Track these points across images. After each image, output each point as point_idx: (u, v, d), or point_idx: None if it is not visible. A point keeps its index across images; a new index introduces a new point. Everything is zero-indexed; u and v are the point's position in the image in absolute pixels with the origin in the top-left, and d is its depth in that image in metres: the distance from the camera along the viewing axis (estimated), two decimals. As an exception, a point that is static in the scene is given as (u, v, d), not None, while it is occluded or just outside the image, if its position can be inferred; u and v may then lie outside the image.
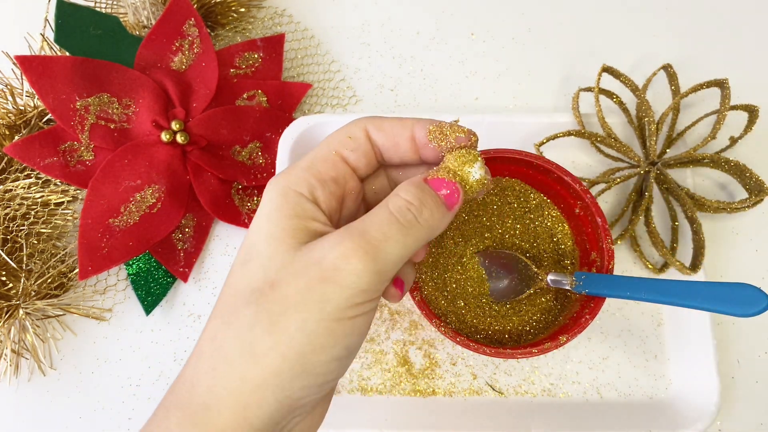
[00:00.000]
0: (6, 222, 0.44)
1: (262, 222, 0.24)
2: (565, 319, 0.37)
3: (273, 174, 0.46)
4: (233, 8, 0.51)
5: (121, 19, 0.48)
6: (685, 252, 0.42)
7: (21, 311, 0.41)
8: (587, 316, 0.34)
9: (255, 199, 0.46)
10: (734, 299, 0.29)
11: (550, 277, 0.36)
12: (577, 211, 0.38)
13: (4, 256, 0.42)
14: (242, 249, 0.24)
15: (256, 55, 0.50)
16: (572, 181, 0.37)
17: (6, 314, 0.41)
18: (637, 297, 0.32)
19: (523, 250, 0.39)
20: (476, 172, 0.26)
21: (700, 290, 0.30)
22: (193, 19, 0.47)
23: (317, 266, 0.22)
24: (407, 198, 0.24)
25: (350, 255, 0.22)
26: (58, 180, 0.45)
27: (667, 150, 0.43)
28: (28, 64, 0.43)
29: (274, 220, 0.24)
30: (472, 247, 0.39)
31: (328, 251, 0.22)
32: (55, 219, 0.45)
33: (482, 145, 0.46)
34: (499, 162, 0.39)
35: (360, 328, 0.23)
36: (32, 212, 0.45)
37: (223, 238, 0.46)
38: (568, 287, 0.35)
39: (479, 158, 0.26)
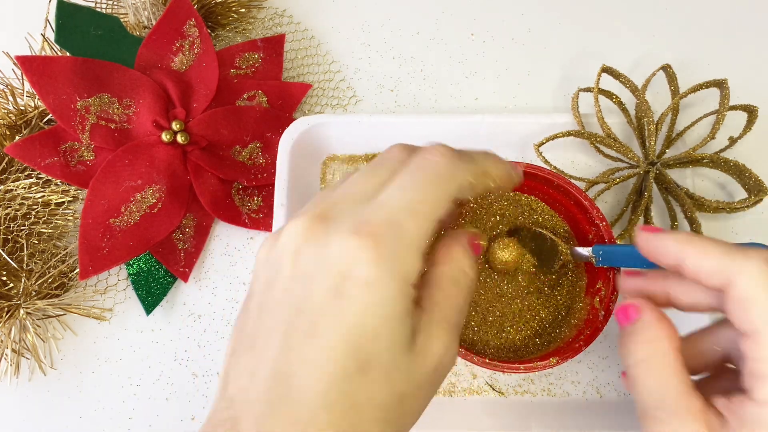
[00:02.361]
0: (7, 222, 0.44)
1: (381, 327, 0.20)
2: (561, 342, 0.37)
3: (273, 174, 0.46)
4: (233, 9, 0.51)
5: (122, 20, 0.48)
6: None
7: (21, 311, 0.41)
8: (581, 343, 0.34)
9: (255, 199, 0.46)
10: None
11: (574, 250, 0.37)
12: (591, 236, 0.38)
13: (4, 256, 0.42)
14: (352, 353, 0.20)
15: (256, 56, 0.50)
16: (590, 207, 0.37)
17: (6, 314, 0.41)
18: (651, 265, 0.33)
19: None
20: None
21: None
22: (193, 19, 0.48)
23: (436, 373, 0.22)
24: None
25: (455, 353, 0.23)
26: (59, 180, 0.45)
27: (667, 150, 0.43)
28: (28, 64, 0.43)
29: (394, 326, 0.20)
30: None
31: (443, 356, 0.22)
32: (56, 219, 0.45)
33: (482, 146, 0.46)
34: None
35: None
36: (33, 212, 0.45)
37: (224, 238, 0.46)
38: (589, 259, 0.36)
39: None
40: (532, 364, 0.34)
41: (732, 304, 0.23)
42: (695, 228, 0.41)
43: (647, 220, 0.43)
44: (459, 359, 0.42)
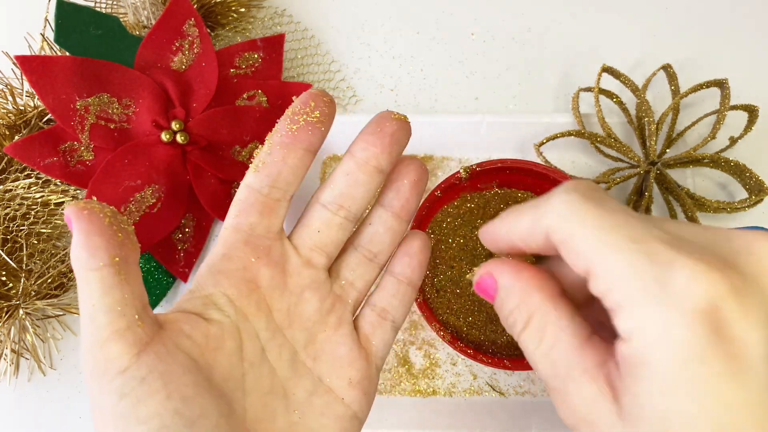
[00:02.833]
0: (6, 222, 0.44)
1: None
2: None
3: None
4: (233, 8, 0.51)
5: (121, 19, 0.48)
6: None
7: (21, 311, 0.41)
8: None
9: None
10: None
11: None
12: None
13: (4, 256, 0.42)
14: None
15: (256, 55, 0.50)
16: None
17: (6, 314, 0.41)
18: None
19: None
20: None
21: None
22: (193, 19, 0.47)
23: None
24: None
25: None
26: (58, 180, 0.45)
27: (667, 150, 0.43)
28: (28, 64, 0.43)
29: None
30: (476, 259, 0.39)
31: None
32: (55, 219, 0.45)
33: (483, 146, 0.46)
34: (516, 173, 0.39)
35: None
36: (32, 212, 0.45)
37: (223, 238, 0.46)
38: None
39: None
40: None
41: (561, 251, 0.20)
42: (696, 228, 0.41)
43: (648, 220, 0.43)
44: (460, 359, 0.42)
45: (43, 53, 0.46)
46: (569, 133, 0.43)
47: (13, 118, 0.46)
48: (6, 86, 0.46)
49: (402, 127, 0.26)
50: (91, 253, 0.20)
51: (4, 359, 0.41)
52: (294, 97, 0.27)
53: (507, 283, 0.22)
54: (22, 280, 0.42)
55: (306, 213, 0.27)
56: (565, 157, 0.46)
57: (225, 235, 0.26)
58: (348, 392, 0.25)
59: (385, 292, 0.28)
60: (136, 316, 0.21)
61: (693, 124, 0.43)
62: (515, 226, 0.22)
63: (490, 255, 0.39)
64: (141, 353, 0.20)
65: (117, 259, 0.21)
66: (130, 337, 0.20)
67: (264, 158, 0.25)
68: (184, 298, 0.25)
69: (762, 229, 0.28)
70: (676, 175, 0.44)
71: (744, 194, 0.43)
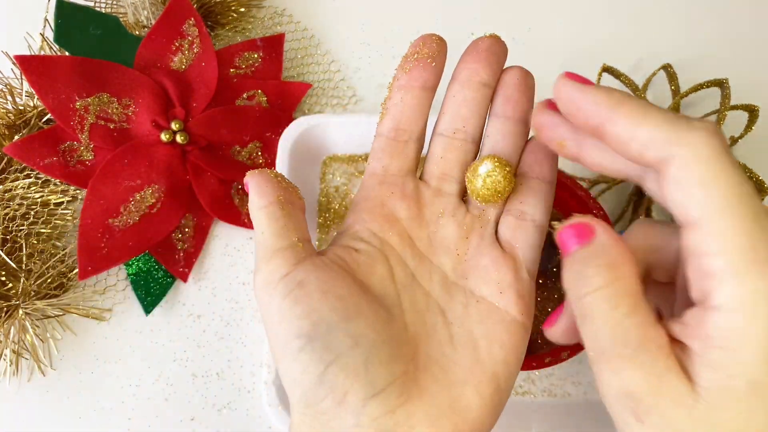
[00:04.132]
0: (5, 222, 0.44)
1: None
2: None
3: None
4: (233, 8, 0.51)
5: (121, 19, 0.48)
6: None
7: (21, 311, 0.41)
8: None
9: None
10: None
11: None
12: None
13: (3, 256, 0.42)
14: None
15: (255, 55, 0.50)
16: (586, 197, 0.37)
17: (6, 314, 0.41)
18: None
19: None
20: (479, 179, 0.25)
21: None
22: (192, 18, 0.47)
23: None
24: None
25: None
26: (58, 180, 0.45)
27: (668, 150, 0.43)
28: (27, 63, 0.42)
29: None
30: None
31: None
32: (55, 219, 0.45)
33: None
34: None
35: None
36: (32, 212, 0.45)
37: (223, 238, 0.46)
38: None
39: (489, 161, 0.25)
40: (543, 361, 0.34)
41: (671, 185, 0.19)
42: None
43: (648, 220, 0.43)
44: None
45: (42, 53, 0.46)
46: (569, 133, 0.43)
47: (12, 117, 0.46)
48: (6, 86, 0.45)
49: (495, 42, 0.27)
50: (260, 194, 0.25)
51: (4, 359, 0.41)
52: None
53: (606, 241, 0.21)
54: (22, 280, 0.42)
55: (429, 147, 0.28)
56: (566, 157, 0.46)
57: (364, 180, 0.28)
58: (501, 298, 0.26)
59: (519, 195, 0.27)
60: (296, 239, 0.25)
61: (693, 123, 0.43)
62: (626, 123, 0.19)
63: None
64: (299, 263, 0.24)
65: (281, 198, 0.25)
66: (290, 252, 0.24)
67: (386, 104, 0.27)
68: (333, 239, 0.27)
69: None
70: (676, 175, 0.43)
71: (744, 194, 0.43)
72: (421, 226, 0.27)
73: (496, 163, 0.25)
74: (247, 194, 0.46)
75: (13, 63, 0.43)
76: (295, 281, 0.23)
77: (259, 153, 0.47)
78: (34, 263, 0.43)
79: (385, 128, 0.27)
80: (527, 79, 0.28)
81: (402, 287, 0.25)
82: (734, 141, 0.43)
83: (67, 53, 0.46)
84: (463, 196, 0.28)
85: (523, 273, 0.26)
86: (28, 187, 0.45)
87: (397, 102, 0.27)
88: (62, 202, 0.46)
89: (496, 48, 0.27)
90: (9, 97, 0.46)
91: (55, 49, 0.46)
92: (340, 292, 0.23)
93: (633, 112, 0.19)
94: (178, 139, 0.44)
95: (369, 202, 0.27)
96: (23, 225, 0.44)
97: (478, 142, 0.28)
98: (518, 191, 0.27)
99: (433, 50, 0.27)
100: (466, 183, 0.26)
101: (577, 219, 0.22)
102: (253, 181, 0.26)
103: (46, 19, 0.46)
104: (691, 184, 0.18)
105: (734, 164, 0.18)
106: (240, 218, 0.46)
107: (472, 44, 0.27)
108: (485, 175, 0.25)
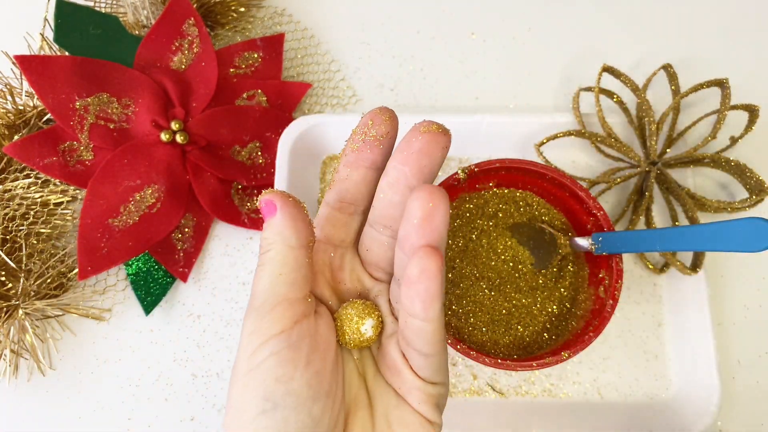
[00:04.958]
0: (5, 222, 0.44)
1: None
2: (570, 334, 0.37)
3: (273, 174, 0.46)
4: (233, 8, 0.51)
5: (121, 19, 0.48)
6: (686, 252, 0.42)
7: (20, 311, 0.41)
8: (591, 334, 0.34)
9: (254, 199, 0.46)
10: (742, 235, 0.28)
11: (573, 241, 0.37)
12: (589, 226, 0.38)
13: (3, 256, 0.42)
14: None
15: (255, 55, 0.50)
16: (586, 197, 0.37)
17: (5, 314, 0.41)
18: (651, 248, 0.33)
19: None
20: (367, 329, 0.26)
21: (709, 231, 0.30)
22: (192, 18, 0.47)
23: None
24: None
25: None
26: (58, 180, 0.45)
27: (668, 150, 0.43)
28: (27, 63, 0.42)
29: None
30: (481, 265, 0.39)
31: None
32: (55, 219, 0.45)
33: (483, 146, 0.46)
34: (514, 173, 0.39)
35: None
36: (32, 212, 0.44)
37: (223, 238, 0.46)
38: (588, 249, 0.36)
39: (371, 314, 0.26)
40: (543, 360, 0.34)
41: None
42: (696, 228, 0.41)
43: (648, 221, 0.43)
44: (460, 360, 0.42)
45: (42, 53, 0.46)
46: (569, 133, 0.43)
47: (12, 117, 0.46)
48: (5, 86, 0.45)
49: (432, 139, 0.24)
50: (296, 234, 0.24)
51: (4, 360, 0.41)
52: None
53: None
54: (22, 280, 0.42)
55: (363, 231, 0.28)
56: (566, 156, 0.46)
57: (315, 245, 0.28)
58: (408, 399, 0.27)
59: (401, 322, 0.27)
60: (308, 291, 0.24)
61: (693, 123, 0.43)
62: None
63: (490, 254, 0.39)
64: (299, 321, 0.23)
65: (311, 244, 0.24)
66: (296, 308, 0.24)
67: (334, 177, 0.27)
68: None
69: (759, 219, 0.27)
70: (676, 174, 0.43)
71: (744, 194, 0.43)
72: (361, 294, 0.28)
73: (362, 311, 0.26)
74: (247, 195, 0.46)
75: (13, 63, 0.43)
76: (289, 342, 0.23)
77: (259, 153, 0.47)
78: (34, 263, 0.43)
79: (332, 198, 0.27)
80: (432, 212, 0.24)
81: (341, 359, 0.26)
82: (734, 141, 0.43)
83: (67, 53, 0.46)
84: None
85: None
86: (28, 187, 0.45)
87: (344, 177, 0.27)
88: (62, 202, 0.46)
89: (431, 147, 0.24)
90: (9, 97, 0.46)
91: (55, 49, 0.46)
92: (318, 366, 0.23)
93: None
94: (178, 139, 0.44)
95: (316, 265, 0.27)
96: (23, 225, 0.44)
97: None
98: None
99: (381, 132, 0.25)
100: (336, 325, 0.26)
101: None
102: (287, 210, 0.24)
103: (46, 19, 0.46)
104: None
105: None
106: (240, 218, 0.46)
107: (409, 135, 0.25)
108: (354, 324, 0.25)
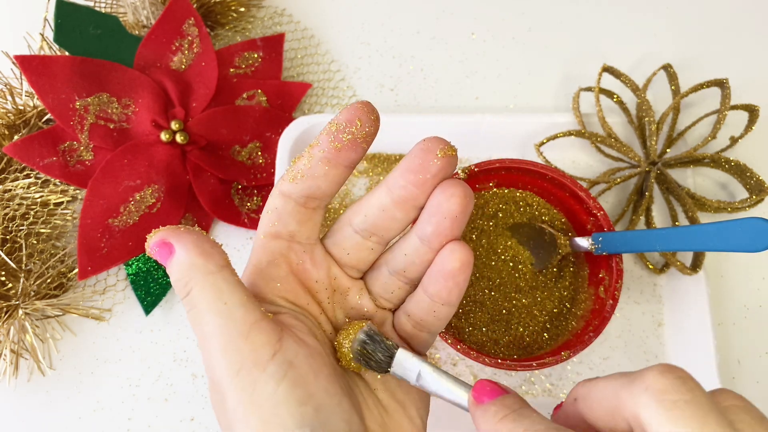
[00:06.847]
0: (5, 222, 0.44)
1: None
2: (570, 334, 0.37)
3: (273, 174, 0.46)
4: (233, 8, 0.51)
5: (121, 19, 0.48)
6: (686, 252, 0.42)
7: (20, 311, 0.41)
8: (591, 334, 0.34)
9: (254, 199, 0.46)
10: (744, 235, 0.28)
11: (573, 241, 0.37)
12: (589, 227, 0.38)
13: (3, 256, 0.42)
14: None
15: (255, 55, 0.50)
16: (586, 197, 0.37)
17: (5, 314, 0.41)
18: (651, 248, 0.33)
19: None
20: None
21: (709, 231, 0.30)
22: (192, 18, 0.47)
23: None
24: None
25: None
26: (58, 180, 0.45)
27: (668, 150, 0.43)
28: (27, 63, 0.42)
29: None
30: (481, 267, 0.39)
31: None
32: (55, 219, 0.45)
33: (483, 145, 0.46)
34: (514, 173, 0.39)
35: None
36: (32, 212, 0.44)
37: (223, 238, 0.46)
38: (588, 249, 0.36)
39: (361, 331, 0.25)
40: (543, 360, 0.34)
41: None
42: (696, 228, 0.41)
43: (648, 221, 0.43)
44: (460, 359, 0.42)
45: (42, 53, 0.46)
46: (570, 133, 0.43)
47: (12, 117, 0.46)
48: (5, 86, 0.45)
49: (448, 163, 0.24)
50: (208, 258, 0.22)
51: (4, 360, 0.41)
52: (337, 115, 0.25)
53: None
54: (22, 281, 0.42)
55: (336, 230, 0.27)
56: (566, 156, 0.46)
57: (263, 241, 0.26)
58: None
59: (419, 310, 0.27)
60: (263, 308, 0.23)
61: (693, 123, 0.43)
62: (592, 401, 0.21)
63: (490, 254, 0.39)
64: (281, 339, 0.22)
65: (228, 261, 0.23)
66: (267, 326, 0.22)
67: (303, 170, 0.25)
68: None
69: (759, 219, 0.27)
70: (676, 174, 0.43)
71: (744, 194, 0.43)
72: (335, 294, 0.27)
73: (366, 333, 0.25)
74: (247, 195, 0.46)
75: (13, 63, 0.43)
76: (286, 361, 0.21)
77: (259, 153, 0.47)
78: (34, 263, 0.43)
79: (297, 193, 0.25)
80: (466, 208, 0.25)
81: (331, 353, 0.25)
82: (734, 141, 0.43)
83: (66, 53, 0.46)
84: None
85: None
86: (28, 187, 0.45)
87: (321, 174, 0.25)
88: (62, 202, 0.46)
89: (447, 172, 0.24)
90: (9, 97, 0.46)
91: (55, 49, 0.46)
92: (324, 370, 0.22)
93: (593, 388, 0.21)
94: (178, 138, 0.44)
95: (277, 269, 0.26)
96: (23, 225, 0.44)
97: (387, 243, 0.27)
98: (419, 306, 0.27)
99: (370, 132, 0.25)
100: (335, 344, 0.25)
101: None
102: (185, 240, 0.22)
103: (46, 19, 0.46)
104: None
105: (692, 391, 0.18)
106: (240, 218, 0.46)
107: (422, 156, 0.24)
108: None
